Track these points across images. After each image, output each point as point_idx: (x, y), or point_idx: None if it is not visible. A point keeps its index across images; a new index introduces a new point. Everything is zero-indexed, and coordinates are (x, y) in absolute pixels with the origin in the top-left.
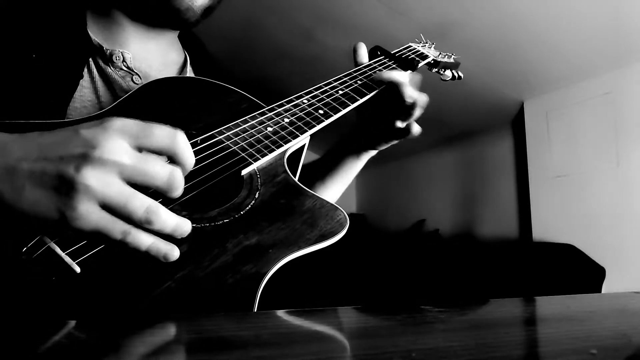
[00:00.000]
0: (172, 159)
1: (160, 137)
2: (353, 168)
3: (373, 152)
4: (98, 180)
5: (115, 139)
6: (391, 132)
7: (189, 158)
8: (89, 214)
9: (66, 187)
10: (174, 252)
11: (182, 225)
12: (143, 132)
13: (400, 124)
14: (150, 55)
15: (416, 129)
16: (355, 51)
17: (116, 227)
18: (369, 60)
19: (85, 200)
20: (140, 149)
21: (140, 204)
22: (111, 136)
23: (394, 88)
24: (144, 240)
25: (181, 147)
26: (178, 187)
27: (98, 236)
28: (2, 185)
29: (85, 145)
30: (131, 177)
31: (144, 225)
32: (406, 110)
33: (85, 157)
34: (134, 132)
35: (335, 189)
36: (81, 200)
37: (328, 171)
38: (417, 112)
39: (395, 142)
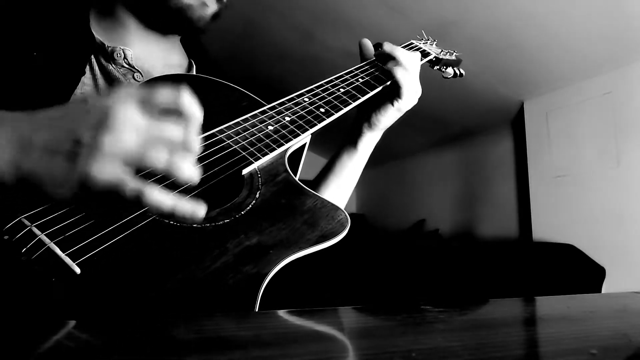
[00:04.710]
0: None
1: (164, 94)
2: (352, 159)
3: (369, 136)
4: (116, 140)
5: (125, 104)
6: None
7: (195, 111)
8: (107, 166)
9: (84, 150)
10: (200, 211)
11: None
12: (148, 94)
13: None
14: (154, 56)
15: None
16: (361, 47)
17: (134, 181)
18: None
19: (105, 157)
20: (148, 110)
21: (157, 155)
22: (120, 101)
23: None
24: (165, 199)
25: (186, 99)
26: (193, 144)
27: (117, 191)
28: (18, 156)
29: (96, 112)
30: (148, 135)
31: (165, 174)
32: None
33: (99, 124)
34: (140, 95)
35: (337, 186)
36: (100, 157)
37: (328, 169)
38: (400, 75)
39: (387, 115)
